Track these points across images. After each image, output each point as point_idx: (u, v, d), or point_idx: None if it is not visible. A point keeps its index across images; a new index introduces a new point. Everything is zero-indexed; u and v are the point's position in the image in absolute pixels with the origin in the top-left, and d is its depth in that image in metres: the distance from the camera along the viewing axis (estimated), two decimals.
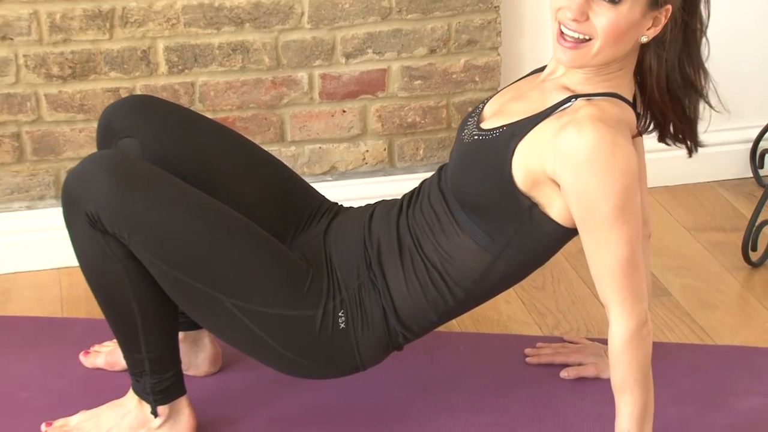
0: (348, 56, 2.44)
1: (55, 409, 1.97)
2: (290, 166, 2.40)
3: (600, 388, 2.04)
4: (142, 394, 1.85)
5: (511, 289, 2.20)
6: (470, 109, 1.99)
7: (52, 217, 2.39)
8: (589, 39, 1.71)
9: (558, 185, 1.71)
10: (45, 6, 2.29)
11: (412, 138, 2.54)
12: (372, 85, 2.49)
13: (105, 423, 1.88)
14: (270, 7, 2.35)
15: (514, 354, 2.17)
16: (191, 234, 1.79)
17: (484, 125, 1.81)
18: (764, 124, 2.75)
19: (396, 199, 1.96)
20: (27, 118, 2.36)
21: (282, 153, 2.53)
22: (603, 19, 1.69)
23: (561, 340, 2.21)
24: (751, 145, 2.78)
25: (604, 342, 2.00)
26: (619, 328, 1.72)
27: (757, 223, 2.40)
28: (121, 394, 1.91)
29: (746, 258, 2.40)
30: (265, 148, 2.36)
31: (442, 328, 2.14)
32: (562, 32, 1.72)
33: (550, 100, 1.76)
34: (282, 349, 1.84)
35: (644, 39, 1.75)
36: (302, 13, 2.36)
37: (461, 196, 1.81)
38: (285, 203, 1.99)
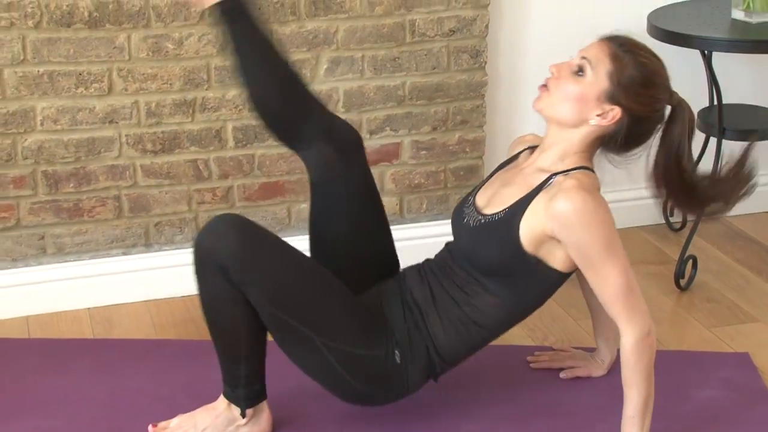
0: (371, 133, 2.62)
1: (161, 413, 2.04)
2: None
3: (593, 385, 2.19)
4: (233, 400, 1.96)
5: None
6: (459, 200, 2.11)
7: (142, 261, 2.58)
8: (549, 90, 1.91)
9: (558, 240, 1.86)
10: (144, 97, 2.45)
11: (417, 195, 2.73)
12: (388, 155, 2.69)
13: (201, 423, 1.97)
14: None
15: (516, 360, 2.29)
16: (299, 288, 1.90)
17: (486, 211, 1.95)
18: None
19: (418, 265, 2.07)
20: (126, 183, 2.52)
21: None
22: (564, 81, 1.90)
23: (551, 349, 2.32)
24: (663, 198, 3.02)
25: (586, 349, 2.26)
26: (628, 338, 1.84)
27: (684, 257, 2.61)
28: (212, 400, 2.01)
29: (677, 284, 2.62)
30: (305, 205, 2.53)
31: None
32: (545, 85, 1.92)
33: (533, 181, 1.90)
34: (351, 380, 1.93)
35: (592, 122, 1.89)
36: (338, 100, 2.57)
37: (479, 265, 1.94)
38: (369, 275, 2.08)
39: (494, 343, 2.28)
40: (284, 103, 1.99)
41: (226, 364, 1.95)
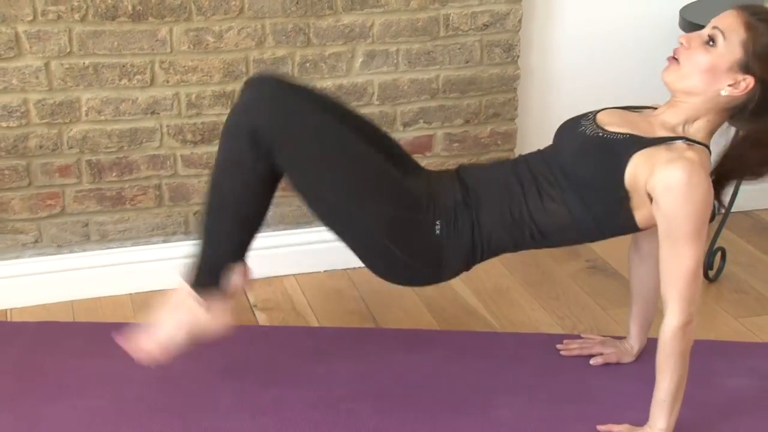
0: (405, 125, 2.66)
1: (199, 391, 2.10)
2: None
3: (622, 371, 2.21)
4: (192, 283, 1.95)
5: (534, 300, 2.53)
6: (574, 117, 2.04)
7: (182, 249, 2.49)
8: (678, 62, 1.89)
9: (650, 199, 1.84)
10: (184, 88, 2.47)
11: None
12: (422, 146, 2.71)
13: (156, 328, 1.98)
14: (350, 88, 2.56)
15: (546, 348, 2.31)
16: (336, 150, 1.89)
17: (609, 128, 1.92)
18: None
19: (486, 163, 2.07)
20: (166, 173, 2.55)
21: None
22: (695, 52, 1.88)
23: (580, 337, 2.34)
24: None
25: (614, 338, 2.28)
26: (672, 321, 1.85)
27: (713, 249, 2.63)
28: (248, 377, 2.08)
29: (706, 275, 2.62)
30: None
31: (488, 328, 2.41)
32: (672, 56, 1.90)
33: (659, 132, 1.90)
34: (387, 242, 1.91)
35: (723, 92, 1.87)
36: (373, 93, 2.59)
37: (571, 173, 1.92)
38: (397, 158, 2.07)
39: (524, 330, 2.43)
40: None
41: (205, 239, 1.95)
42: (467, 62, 2.66)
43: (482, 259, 2.00)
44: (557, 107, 2.77)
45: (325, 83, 2.55)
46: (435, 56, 2.63)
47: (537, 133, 2.74)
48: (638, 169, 1.85)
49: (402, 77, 2.63)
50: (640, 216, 1.90)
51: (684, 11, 2.65)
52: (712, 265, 2.65)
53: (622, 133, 1.90)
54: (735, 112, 1.91)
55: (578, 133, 1.96)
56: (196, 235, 2.02)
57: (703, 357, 2.07)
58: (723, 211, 2.51)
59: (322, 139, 1.90)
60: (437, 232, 1.94)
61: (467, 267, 2.00)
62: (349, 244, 1.97)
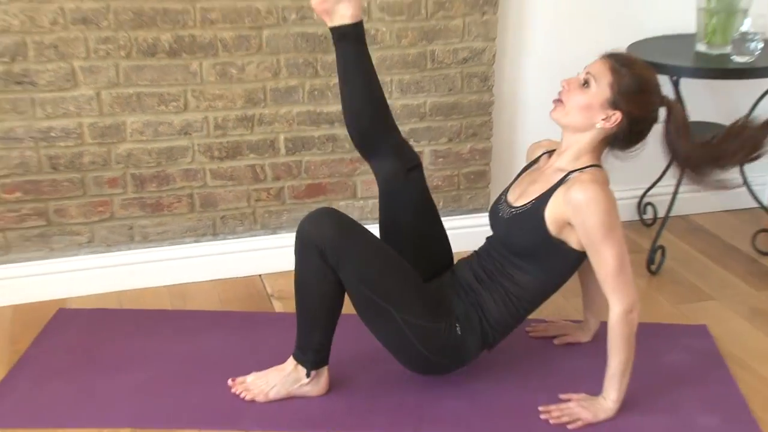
0: None
1: (228, 369, 2.10)
2: (359, 215, 2.65)
3: (580, 349, 2.21)
4: (301, 362, 1.98)
5: None
6: (492, 202, 2.13)
7: (210, 248, 2.60)
8: (562, 102, 1.93)
9: (572, 225, 1.86)
10: (212, 113, 2.47)
11: (435, 195, 2.52)
12: None
13: (272, 380, 2.01)
14: None
15: (519, 329, 2.15)
16: (382, 269, 1.90)
17: (516, 204, 1.96)
18: (645, 186, 2.97)
19: (465, 258, 2.07)
20: (197, 184, 2.55)
21: (354, 205, 2.68)
22: (574, 93, 1.91)
23: (545, 321, 2.34)
24: (638, 199, 3.00)
25: (574, 321, 2.29)
26: (614, 311, 1.86)
27: (655, 247, 2.65)
28: (269, 359, 2.05)
29: (649, 269, 2.65)
30: (343, 203, 2.61)
31: None
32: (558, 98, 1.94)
33: (554, 178, 1.93)
34: (421, 347, 1.93)
35: (598, 125, 1.89)
36: None
37: (513, 249, 1.95)
38: (430, 264, 2.08)
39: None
40: (373, 119, 2.02)
41: (304, 330, 1.97)
42: (450, 90, 2.66)
43: (496, 343, 2.02)
44: (525, 128, 2.80)
45: (330, 108, 2.55)
46: (423, 85, 2.63)
47: (508, 150, 2.80)
48: (553, 216, 1.88)
49: (395, 103, 2.62)
50: (577, 244, 1.90)
51: (631, 48, 2.67)
52: (654, 261, 2.67)
53: (528, 202, 1.93)
54: (610, 142, 1.92)
55: (499, 218, 2.00)
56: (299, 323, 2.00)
57: (646, 337, 2.09)
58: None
59: (374, 262, 1.90)
60: (459, 333, 1.95)
61: (488, 349, 2.03)
62: (392, 351, 1.98)
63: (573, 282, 2.51)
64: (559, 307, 2.45)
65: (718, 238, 2.92)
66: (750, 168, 2.61)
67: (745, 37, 2.50)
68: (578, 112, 1.90)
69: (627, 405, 1.95)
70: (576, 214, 1.84)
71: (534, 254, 1.93)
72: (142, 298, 2.52)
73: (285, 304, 2.48)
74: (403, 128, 2.62)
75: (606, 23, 2.79)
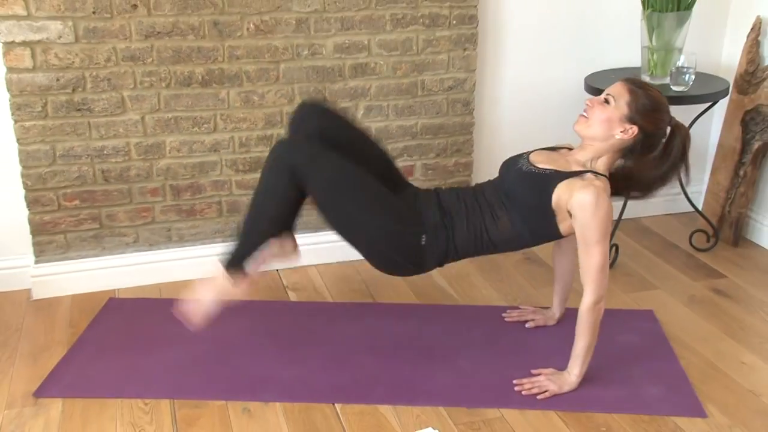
0: (394, 158, 2.35)
1: (250, 350, 2.07)
2: None
3: (548, 332, 2.20)
4: (235, 269, 1.90)
5: (486, 282, 2.49)
6: (514, 155, 2.02)
7: None
8: (586, 117, 1.90)
9: (570, 215, 1.84)
10: (237, 133, 2.46)
11: None
12: (406, 173, 2.62)
13: (195, 293, 1.93)
14: None
15: (494, 315, 2.30)
16: (346, 180, 1.87)
17: (539, 165, 1.90)
18: None
19: (453, 188, 2.01)
20: (225, 193, 2.53)
21: None
22: (597, 109, 1.89)
23: (518, 307, 2.32)
24: None
25: (543, 308, 2.27)
26: (586, 300, 1.86)
27: (611, 245, 2.51)
28: (288, 348, 2.03)
29: None
30: None
31: (453, 302, 2.37)
32: (582, 114, 1.91)
33: (574, 167, 1.90)
34: (385, 249, 1.89)
35: (617, 136, 1.86)
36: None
37: (514, 197, 1.90)
38: (391, 177, 2.03)
39: (479, 303, 2.38)
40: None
41: (248, 240, 1.90)
42: (437, 113, 2.65)
43: (452, 261, 1.99)
44: (501, 145, 2.79)
45: None
46: (415, 109, 2.62)
47: (487, 164, 2.79)
48: (561, 194, 1.85)
49: (391, 124, 2.61)
50: (563, 227, 1.90)
51: (587, 78, 2.68)
52: (609, 256, 2.61)
53: (548, 169, 1.90)
54: (626, 152, 1.92)
55: (517, 168, 1.95)
56: (234, 233, 1.93)
57: (603, 321, 2.06)
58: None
59: (339, 176, 1.87)
60: (423, 242, 1.91)
61: (440, 266, 1.99)
62: (355, 247, 1.95)
63: (541, 273, 2.60)
64: (530, 296, 2.45)
65: (661, 237, 2.92)
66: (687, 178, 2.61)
67: (680, 71, 2.53)
68: (600, 125, 1.88)
69: (587, 378, 1.96)
70: (581, 212, 1.81)
71: (527, 209, 1.89)
72: (179, 289, 2.40)
73: (299, 294, 2.47)
74: (398, 145, 2.64)
75: (567, 58, 2.81)
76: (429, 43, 2.56)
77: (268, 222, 1.91)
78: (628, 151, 1.92)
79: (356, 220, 1.87)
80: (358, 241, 1.92)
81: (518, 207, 1.91)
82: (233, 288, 1.93)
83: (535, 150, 2.03)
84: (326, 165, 1.86)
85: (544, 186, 1.87)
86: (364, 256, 1.96)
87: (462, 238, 1.94)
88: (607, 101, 1.89)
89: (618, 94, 1.90)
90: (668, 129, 1.92)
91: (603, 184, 1.86)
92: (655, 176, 1.93)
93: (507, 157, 2.07)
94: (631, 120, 1.87)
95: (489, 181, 2.03)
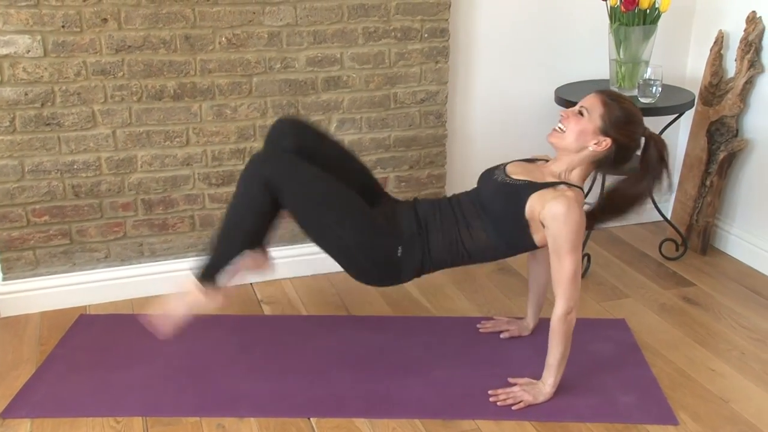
0: None
1: (222, 367, 2.05)
2: None
3: (522, 342, 2.20)
4: (207, 281, 1.90)
5: (460, 293, 2.49)
6: (490, 167, 2.03)
7: None
8: (560, 130, 1.91)
9: (543, 226, 1.84)
10: (210, 147, 2.44)
11: None
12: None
13: (167, 306, 1.93)
14: None
15: (469, 326, 2.30)
16: (323, 192, 1.87)
17: (514, 177, 1.91)
18: None
19: (431, 198, 2.02)
20: (197, 207, 2.51)
21: None
22: (572, 121, 1.90)
23: (492, 318, 2.33)
24: None
25: (517, 318, 2.27)
26: (558, 310, 1.86)
27: (582, 254, 2.46)
28: (265, 357, 2.00)
29: None
30: None
31: (428, 314, 2.37)
32: (557, 127, 1.91)
33: (548, 178, 1.91)
34: (362, 259, 1.89)
35: (590, 148, 1.87)
36: None
37: (490, 208, 1.90)
38: (369, 189, 2.04)
39: (454, 315, 2.38)
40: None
41: (220, 252, 1.89)
42: (410, 126, 2.65)
43: (428, 272, 1.99)
44: (474, 157, 2.80)
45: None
46: (388, 122, 2.62)
47: (460, 175, 2.80)
48: (533, 205, 1.86)
49: (364, 137, 2.61)
50: (537, 238, 1.90)
51: (557, 90, 2.70)
52: (582, 266, 2.64)
53: (523, 180, 1.90)
54: (600, 164, 1.93)
55: (493, 179, 1.96)
56: (207, 245, 1.92)
57: (576, 330, 2.07)
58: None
59: (316, 189, 1.88)
60: (399, 254, 1.91)
61: (418, 275, 1.99)
62: (333, 257, 1.94)
63: (515, 284, 2.60)
64: (504, 306, 2.45)
65: (632, 246, 2.94)
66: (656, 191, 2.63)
67: (647, 83, 2.55)
68: (574, 137, 1.89)
69: (561, 388, 1.96)
70: (552, 223, 1.82)
71: (501, 220, 1.90)
72: (150, 304, 2.40)
73: (273, 308, 2.45)
74: (371, 158, 2.63)
75: (537, 71, 2.82)
76: (401, 56, 2.57)
77: (242, 234, 1.90)
78: (602, 162, 1.92)
79: (333, 232, 1.87)
80: (335, 252, 1.92)
81: (493, 218, 1.91)
82: (206, 300, 1.92)
83: (512, 161, 2.04)
84: (302, 177, 1.85)
85: (518, 197, 1.87)
86: (342, 266, 1.95)
87: (437, 249, 1.93)
88: (581, 113, 1.90)
89: (591, 106, 1.90)
90: (642, 140, 1.93)
91: (575, 195, 1.86)
92: (640, 190, 1.92)
93: (481, 169, 2.07)
94: (605, 132, 1.87)
95: (467, 192, 2.03)
